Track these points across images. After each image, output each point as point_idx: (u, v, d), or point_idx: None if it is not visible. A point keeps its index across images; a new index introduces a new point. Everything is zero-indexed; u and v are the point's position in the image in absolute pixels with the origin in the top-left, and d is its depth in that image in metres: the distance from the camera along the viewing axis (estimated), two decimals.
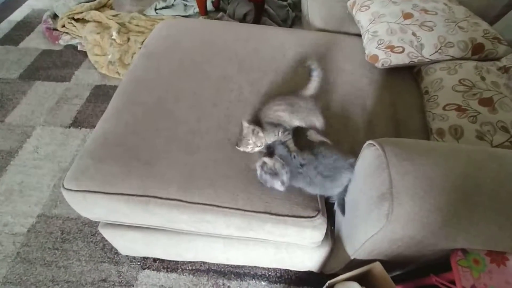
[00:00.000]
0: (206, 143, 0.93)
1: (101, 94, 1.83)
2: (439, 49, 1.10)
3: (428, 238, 0.64)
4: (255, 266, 1.22)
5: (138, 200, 0.83)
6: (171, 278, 1.19)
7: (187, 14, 2.36)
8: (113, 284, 1.17)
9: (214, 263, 1.22)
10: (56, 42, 2.12)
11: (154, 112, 1.00)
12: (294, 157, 0.83)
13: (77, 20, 2.18)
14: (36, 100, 1.79)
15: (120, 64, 1.90)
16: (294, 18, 2.31)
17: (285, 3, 2.34)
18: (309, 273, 1.18)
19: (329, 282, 0.87)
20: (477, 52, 1.10)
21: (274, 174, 0.80)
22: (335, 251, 0.95)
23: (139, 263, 1.22)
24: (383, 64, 1.13)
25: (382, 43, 1.15)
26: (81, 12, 2.17)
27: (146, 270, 1.20)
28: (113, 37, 2.02)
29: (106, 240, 1.23)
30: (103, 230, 1.01)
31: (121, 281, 1.18)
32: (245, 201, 0.83)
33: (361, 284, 0.88)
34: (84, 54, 2.05)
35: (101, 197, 0.84)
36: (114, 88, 1.84)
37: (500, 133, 0.88)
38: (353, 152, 0.81)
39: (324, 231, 0.84)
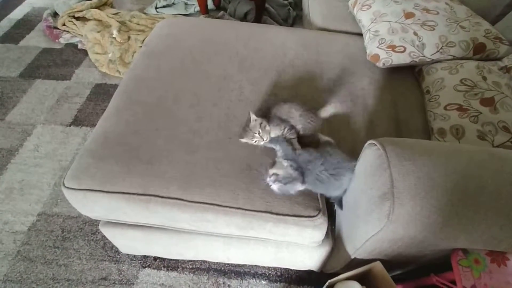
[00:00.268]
0: (206, 142, 0.93)
1: (102, 92, 1.83)
2: (441, 48, 1.10)
3: (429, 238, 0.64)
4: (255, 265, 1.22)
5: (138, 199, 0.83)
6: (171, 277, 1.19)
7: (187, 12, 2.35)
8: (113, 283, 1.17)
9: (214, 262, 1.22)
10: (57, 40, 2.12)
11: (154, 111, 1.00)
12: (300, 154, 0.83)
13: (77, 18, 2.17)
14: (37, 98, 1.79)
15: (120, 63, 1.90)
16: (295, 17, 2.31)
17: (286, 2, 2.34)
18: (309, 272, 1.19)
19: (329, 281, 0.87)
20: (479, 52, 1.10)
21: (292, 179, 0.79)
22: (335, 250, 0.95)
23: (139, 261, 1.22)
24: (384, 64, 1.13)
25: (384, 43, 1.15)
26: (82, 11, 2.17)
27: (146, 268, 1.21)
28: (113, 36, 2.02)
29: (107, 239, 1.23)
30: (103, 228, 1.01)
31: (122, 279, 1.18)
32: (245, 200, 0.83)
33: (361, 284, 0.88)
34: (85, 52, 2.05)
35: (102, 195, 0.84)
36: (115, 86, 1.84)
37: (501, 133, 0.88)
38: (354, 152, 0.81)
39: (324, 231, 0.84)
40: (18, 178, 1.45)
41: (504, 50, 1.10)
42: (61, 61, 2.01)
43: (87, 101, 1.78)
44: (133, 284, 1.17)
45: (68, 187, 0.85)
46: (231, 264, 1.22)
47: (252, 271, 1.21)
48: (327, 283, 0.88)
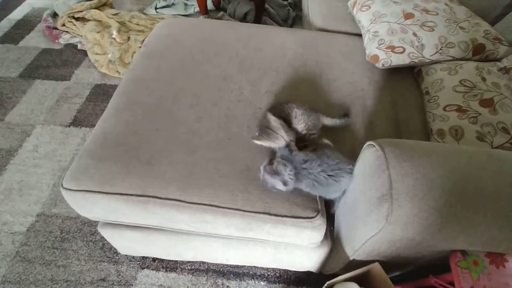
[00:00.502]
0: (206, 143, 0.93)
1: (101, 93, 1.83)
2: (440, 49, 1.10)
3: (427, 239, 0.64)
4: (254, 266, 1.22)
5: (137, 200, 0.83)
6: (170, 278, 1.19)
7: (187, 13, 2.35)
8: (112, 284, 1.17)
9: (213, 263, 1.22)
10: (56, 41, 2.12)
11: (154, 111, 1.00)
12: (296, 155, 0.81)
13: (77, 19, 2.17)
14: (36, 99, 1.79)
15: (120, 63, 1.90)
16: (294, 17, 2.31)
17: (285, 2, 2.34)
18: (308, 273, 1.18)
19: (328, 282, 0.87)
20: (478, 52, 1.10)
21: (276, 174, 0.78)
22: (334, 251, 0.94)
23: (138, 262, 1.22)
24: (383, 64, 1.13)
25: (383, 43, 1.14)
26: (81, 11, 2.17)
27: (145, 269, 1.20)
28: (113, 36, 2.02)
29: (106, 240, 1.23)
30: (102, 229, 1.01)
31: (120, 280, 1.18)
32: (244, 201, 0.83)
33: (360, 285, 0.88)
34: (84, 53, 2.05)
35: (101, 197, 0.84)
36: (114, 87, 1.84)
37: (500, 134, 0.88)
38: (354, 153, 0.81)
39: (323, 232, 0.84)
40: (17, 178, 1.45)
41: (503, 51, 1.10)
42: (61, 61, 2.01)
43: (86, 102, 1.78)
44: (132, 285, 1.17)
45: (66, 188, 0.85)
46: (230, 265, 1.22)
47: (251, 272, 1.21)
48: (325, 285, 0.88)
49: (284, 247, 0.97)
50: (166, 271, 1.20)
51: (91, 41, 2.02)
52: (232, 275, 1.20)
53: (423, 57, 1.11)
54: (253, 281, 1.19)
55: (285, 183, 0.78)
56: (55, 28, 2.17)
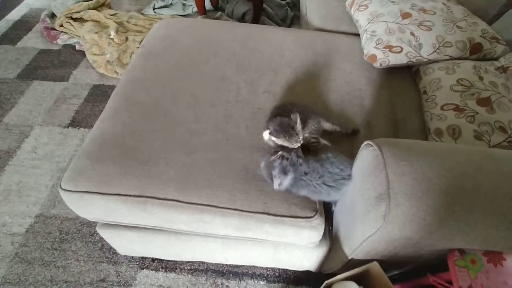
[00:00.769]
0: (203, 144, 0.93)
1: (100, 93, 1.82)
2: (437, 48, 1.10)
3: (425, 238, 0.64)
4: (253, 266, 1.22)
5: (135, 200, 0.83)
6: (169, 278, 1.19)
7: (185, 13, 2.35)
8: (111, 284, 1.17)
9: (212, 263, 1.22)
10: (54, 41, 2.12)
11: (151, 112, 1.00)
12: (301, 164, 0.80)
13: (75, 19, 2.17)
14: (34, 99, 1.79)
15: (118, 64, 1.90)
16: (293, 17, 2.31)
17: (284, 2, 2.34)
18: (307, 273, 1.19)
19: (326, 281, 0.88)
20: (475, 51, 1.10)
21: (284, 172, 0.78)
22: (333, 251, 0.95)
23: (137, 263, 1.22)
24: (381, 64, 1.13)
25: (381, 43, 1.15)
26: (79, 11, 2.16)
27: (144, 270, 1.20)
28: (111, 37, 2.01)
29: (105, 240, 1.23)
30: (101, 230, 1.01)
31: (120, 281, 1.18)
32: (243, 201, 0.83)
33: (359, 284, 0.89)
34: (82, 53, 2.05)
35: (99, 197, 0.84)
36: (113, 87, 1.84)
37: (497, 133, 0.88)
38: (352, 153, 0.81)
39: (322, 232, 0.84)
40: (15, 180, 1.45)
41: (500, 50, 1.10)
42: (59, 62, 2.01)
43: (84, 102, 1.78)
44: (131, 286, 1.17)
45: (65, 189, 0.85)
46: (229, 265, 1.22)
47: (250, 272, 1.21)
48: (324, 284, 0.88)
49: (283, 246, 0.97)
50: (166, 271, 1.20)
51: (89, 42, 2.01)
52: (231, 275, 1.20)
53: (421, 56, 1.11)
54: (252, 280, 1.19)
55: (276, 184, 0.78)
56: (53, 29, 2.17)
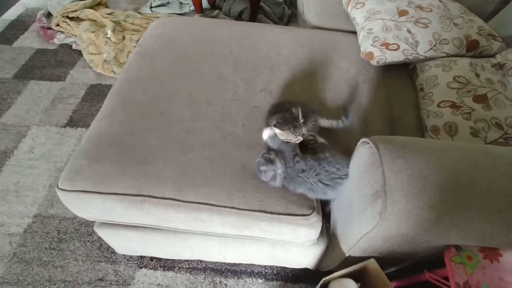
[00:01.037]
0: (201, 142, 0.93)
1: (97, 93, 1.82)
2: (434, 46, 1.10)
3: (421, 235, 0.64)
4: (251, 264, 1.22)
5: (133, 199, 0.83)
6: (168, 277, 1.19)
7: (182, 12, 2.35)
8: (110, 283, 1.17)
9: (211, 261, 1.22)
10: (51, 41, 2.11)
11: (148, 111, 0.99)
12: (297, 161, 0.80)
13: (71, 18, 2.16)
14: (31, 99, 1.78)
15: (115, 63, 1.89)
16: (290, 15, 2.31)
17: (281, 0, 2.33)
18: (305, 270, 1.19)
19: (324, 279, 0.88)
20: (472, 48, 1.10)
21: (271, 162, 0.80)
22: (330, 248, 0.95)
23: (136, 262, 1.22)
24: (378, 61, 1.13)
25: (377, 40, 1.15)
26: (76, 11, 2.15)
27: (143, 269, 1.21)
28: (108, 36, 2.01)
29: (103, 240, 1.23)
30: (98, 229, 1.01)
31: (118, 280, 1.18)
32: (240, 199, 0.83)
33: (356, 281, 0.89)
34: (79, 53, 2.04)
35: (96, 197, 0.84)
36: (110, 87, 1.84)
37: (494, 130, 0.88)
38: (349, 150, 0.81)
39: (319, 229, 0.84)
40: (13, 180, 1.45)
41: (497, 47, 1.10)
42: (56, 61, 2.00)
43: (82, 102, 1.77)
44: (130, 285, 1.17)
45: (62, 189, 0.85)
46: (228, 263, 1.22)
47: (248, 270, 1.21)
48: (321, 281, 0.88)
49: (280, 244, 0.98)
50: (164, 270, 1.20)
51: (86, 41, 2.01)
52: (229, 273, 1.20)
53: (418, 53, 1.11)
54: (250, 278, 1.19)
55: (269, 176, 0.79)
56: (50, 28, 2.15)
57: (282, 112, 0.90)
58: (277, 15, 2.26)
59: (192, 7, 2.32)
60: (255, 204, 0.82)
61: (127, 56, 1.95)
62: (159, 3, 2.36)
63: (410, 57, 1.12)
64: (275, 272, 1.21)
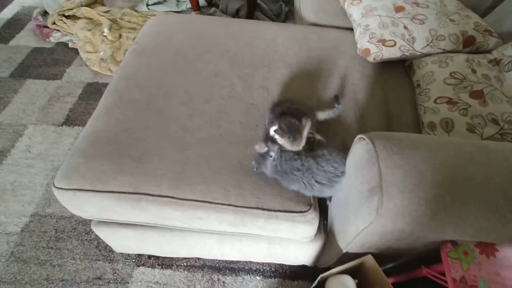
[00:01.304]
0: (197, 140, 0.93)
1: (94, 91, 1.81)
2: (431, 42, 1.10)
3: (417, 231, 0.64)
4: (249, 261, 1.22)
5: (129, 197, 0.83)
6: (166, 275, 1.19)
7: (179, 9, 2.34)
8: (108, 282, 1.17)
9: (208, 259, 1.22)
10: (47, 39, 2.10)
11: (145, 109, 0.99)
12: (295, 159, 0.79)
13: (67, 17, 2.15)
14: (28, 98, 1.77)
15: (112, 61, 1.88)
16: (287, 12, 2.30)
17: None
18: (303, 267, 1.19)
19: (321, 275, 0.88)
20: (468, 44, 1.10)
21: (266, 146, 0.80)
22: (328, 245, 0.95)
23: (134, 260, 1.22)
24: (375, 58, 1.13)
25: (374, 37, 1.14)
26: (72, 9, 2.14)
27: (141, 267, 1.21)
28: (104, 34, 2.00)
29: (101, 238, 1.23)
30: (96, 228, 1.01)
31: (116, 278, 1.18)
32: (237, 196, 0.83)
33: (353, 277, 0.89)
34: (76, 51, 2.03)
35: (93, 195, 0.83)
36: (106, 85, 1.80)
37: (490, 126, 0.88)
38: (346, 147, 0.81)
39: (316, 226, 0.84)
40: (10, 179, 1.44)
41: (493, 43, 1.10)
42: (52, 60, 1.99)
43: (78, 101, 1.76)
44: (128, 283, 1.17)
45: (58, 187, 0.84)
46: (226, 260, 1.22)
47: (246, 267, 1.21)
48: (319, 278, 0.88)
49: (278, 241, 0.98)
50: (162, 268, 1.20)
51: (82, 39, 2.00)
52: (227, 271, 1.20)
53: (414, 50, 1.11)
54: (248, 276, 1.20)
55: (265, 158, 0.80)
56: (46, 27, 2.14)
57: (289, 117, 0.88)
58: (274, 12, 2.25)
59: (189, 5, 2.31)
60: (252, 201, 0.82)
61: (124, 54, 1.94)
62: (155, 0, 2.35)
63: (407, 54, 1.11)
64: (273, 269, 1.21)
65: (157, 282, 1.17)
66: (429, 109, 0.99)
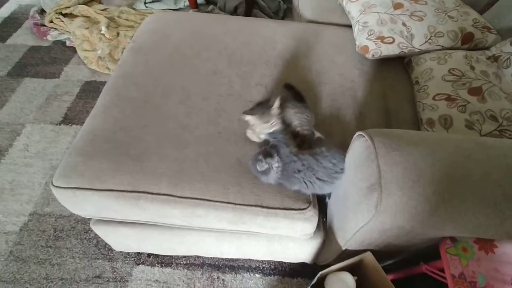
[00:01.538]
0: (196, 138, 0.92)
1: (92, 90, 1.80)
2: (429, 39, 1.10)
3: (416, 227, 0.64)
4: (249, 259, 1.22)
5: (128, 196, 0.83)
6: (165, 273, 1.19)
7: (177, 7, 2.33)
8: (107, 280, 1.17)
9: (208, 257, 1.23)
10: (44, 38, 2.08)
11: (143, 107, 0.99)
12: (294, 161, 0.79)
13: (65, 15, 2.13)
14: (25, 97, 1.77)
15: (110, 60, 1.88)
16: (286, 10, 2.29)
17: None
18: (302, 265, 1.19)
19: (321, 272, 0.88)
20: (467, 41, 1.10)
21: (269, 155, 0.78)
22: (327, 242, 0.95)
23: (133, 258, 1.22)
24: (373, 55, 1.13)
25: (373, 34, 1.14)
26: (69, 7, 2.12)
27: (140, 265, 1.20)
28: (102, 32, 1.99)
29: (100, 237, 1.23)
30: (95, 226, 1.01)
31: (116, 277, 1.18)
32: (236, 194, 0.83)
33: (353, 274, 0.89)
34: (73, 49, 2.02)
35: (91, 193, 0.83)
36: (105, 83, 1.79)
37: (489, 122, 0.88)
38: (345, 144, 0.81)
39: (315, 223, 0.84)
40: (8, 178, 1.44)
41: (492, 39, 1.10)
42: (50, 59, 1.98)
43: (76, 99, 1.76)
44: (127, 281, 1.17)
45: (56, 186, 0.84)
46: (225, 258, 1.22)
47: (246, 265, 1.21)
48: (318, 275, 0.88)
49: (277, 239, 0.98)
50: (161, 266, 1.20)
51: (79, 38, 1.99)
52: (227, 269, 1.21)
53: (413, 47, 1.11)
54: (248, 273, 1.20)
55: (263, 167, 0.78)
56: (43, 25, 2.13)
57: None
58: (272, 10, 2.25)
59: (187, 2, 2.30)
60: (251, 199, 0.82)
61: (122, 52, 1.93)
62: None
63: (406, 50, 1.11)
64: (272, 266, 1.21)
65: (156, 280, 1.17)
66: (427, 106, 0.99)
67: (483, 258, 0.71)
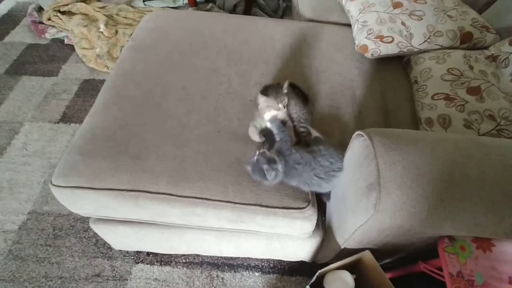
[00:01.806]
0: (195, 136, 0.92)
1: (90, 88, 1.80)
2: (428, 38, 1.10)
3: (415, 226, 0.65)
4: (248, 258, 1.23)
5: (127, 195, 0.83)
6: (165, 271, 1.19)
7: (176, 5, 2.32)
8: (106, 279, 1.17)
9: (207, 256, 1.23)
10: (42, 35, 2.08)
11: (142, 105, 0.99)
12: (294, 153, 0.79)
13: (63, 12, 2.12)
14: (23, 95, 1.76)
15: (108, 58, 1.87)
16: (284, 8, 2.29)
17: None
18: (301, 263, 1.20)
19: (319, 271, 0.88)
20: (466, 41, 1.10)
21: (273, 161, 0.76)
22: (326, 241, 0.96)
23: (132, 257, 1.22)
24: (372, 54, 1.13)
25: (372, 33, 1.14)
26: (67, 4, 2.11)
27: (139, 264, 1.21)
28: (100, 30, 1.98)
29: (99, 236, 1.23)
30: (94, 225, 1.01)
31: (115, 275, 1.18)
32: (235, 193, 0.83)
33: (352, 273, 0.90)
34: (72, 47, 2.01)
35: (90, 192, 0.83)
36: (103, 82, 1.81)
37: (487, 122, 0.89)
38: (343, 143, 0.81)
39: (314, 222, 0.85)
40: (7, 177, 1.43)
41: (491, 39, 1.11)
42: (48, 57, 1.97)
43: (75, 97, 1.75)
44: (127, 280, 1.17)
45: (55, 185, 0.84)
46: (224, 257, 1.23)
47: (245, 264, 1.22)
48: (317, 273, 0.89)
49: (276, 238, 0.98)
50: (161, 265, 1.21)
51: (78, 36, 1.98)
52: (226, 267, 1.21)
53: (412, 46, 1.11)
54: (247, 272, 1.20)
55: (276, 174, 0.76)
56: (41, 23, 2.12)
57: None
58: (271, 8, 2.24)
59: (186, 1, 2.29)
60: (250, 198, 0.83)
61: (120, 50, 1.92)
62: None
63: (405, 50, 1.11)
64: (271, 265, 1.22)
65: (156, 279, 1.18)
66: (426, 105, 0.99)
67: (480, 257, 0.72)
